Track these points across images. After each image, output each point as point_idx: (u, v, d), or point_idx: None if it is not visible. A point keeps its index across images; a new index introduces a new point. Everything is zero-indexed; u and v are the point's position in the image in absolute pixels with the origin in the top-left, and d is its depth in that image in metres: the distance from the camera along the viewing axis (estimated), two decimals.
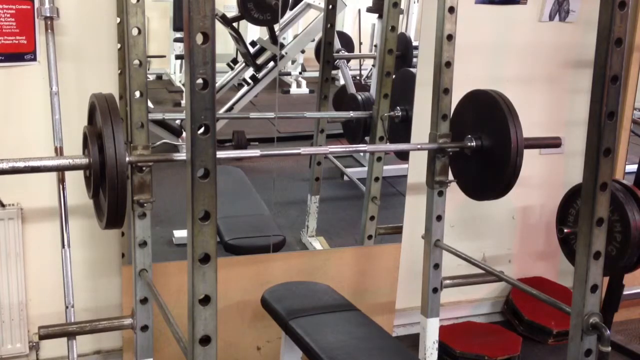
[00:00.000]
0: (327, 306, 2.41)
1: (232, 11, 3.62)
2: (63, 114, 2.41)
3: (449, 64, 2.39)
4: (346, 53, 4.55)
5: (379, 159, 3.03)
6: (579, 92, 3.19)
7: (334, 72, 4.07)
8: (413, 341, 2.84)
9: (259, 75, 3.57)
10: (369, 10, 4.51)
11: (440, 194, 2.48)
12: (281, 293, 2.44)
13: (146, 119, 2.11)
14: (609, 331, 1.97)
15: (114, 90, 2.33)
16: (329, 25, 3.26)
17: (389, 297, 3.06)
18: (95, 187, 2.00)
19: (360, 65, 5.11)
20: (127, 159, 1.99)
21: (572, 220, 2.50)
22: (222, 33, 3.59)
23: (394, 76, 2.96)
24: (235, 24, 3.60)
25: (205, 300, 1.49)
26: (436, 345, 2.54)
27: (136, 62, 2.08)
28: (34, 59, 2.43)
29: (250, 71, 3.72)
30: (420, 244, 2.52)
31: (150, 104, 2.17)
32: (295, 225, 3.49)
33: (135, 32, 2.07)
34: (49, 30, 2.37)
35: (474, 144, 2.38)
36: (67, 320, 2.43)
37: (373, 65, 4.63)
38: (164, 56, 4.21)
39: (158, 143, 2.47)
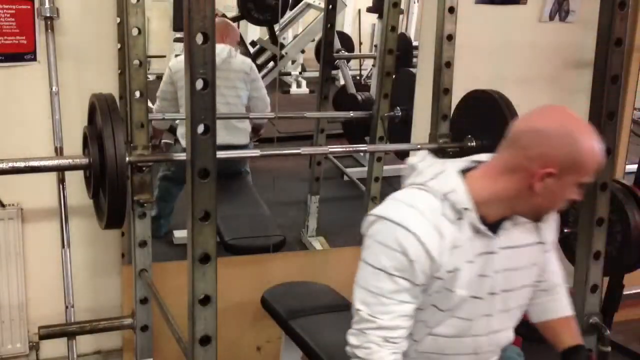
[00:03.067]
0: (327, 306, 2.41)
1: (232, 11, 3.62)
2: (63, 114, 2.41)
3: (449, 64, 2.39)
4: (346, 53, 4.55)
5: (379, 159, 3.02)
6: (579, 92, 3.18)
7: (334, 72, 4.08)
8: None
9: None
10: (369, 10, 4.51)
11: None
12: (281, 293, 2.44)
13: (146, 119, 2.10)
14: (609, 331, 1.98)
15: (114, 90, 2.33)
16: (329, 25, 3.25)
17: None
18: (95, 187, 2.00)
19: (360, 65, 5.11)
20: (127, 159, 1.99)
21: (572, 220, 2.50)
22: None
23: (394, 76, 2.96)
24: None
25: (205, 300, 1.49)
26: None
27: (136, 62, 2.08)
28: (34, 59, 2.43)
29: None
30: None
31: (150, 104, 2.17)
32: (295, 225, 3.49)
33: (135, 32, 2.07)
34: (49, 30, 2.37)
35: (474, 143, 2.37)
36: (67, 320, 2.43)
37: (373, 65, 4.63)
38: (164, 56, 4.20)
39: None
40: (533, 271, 1.63)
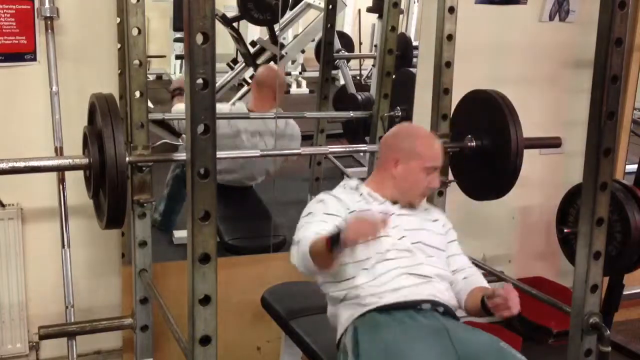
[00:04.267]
0: (327, 306, 2.41)
1: (232, 11, 3.62)
2: (63, 114, 2.41)
3: (449, 64, 2.39)
4: (346, 53, 4.55)
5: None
6: (579, 92, 3.19)
7: (334, 72, 4.07)
8: None
9: None
10: (369, 10, 4.51)
11: (440, 194, 2.48)
12: (281, 293, 2.44)
13: (146, 119, 2.11)
14: (609, 331, 1.98)
15: (114, 90, 2.33)
16: (329, 25, 3.25)
17: None
18: (95, 187, 2.00)
19: (360, 65, 5.11)
20: (127, 159, 1.99)
21: (572, 220, 2.50)
22: (222, 33, 3.59)
23: (394, 76, 2.96)
24: (235, 24, 3.60)
25: (205, 300, 1.49)
26: None
27: (136, 62, 2.08)
28: (34, 59, 2.43)
29: (250, 71, 3.72)
30: None
31: (150, 104, 2.17)
32: (295, 225, 3.48)
33: (135, 32, 2.07)
34: (49, 30, 2.37)
35: (474, 144, 2.38)
36: (67, 320, 2.43)
37: (373, 65, 4.62)
38: (164, 56, 4.21)
39: (158, 143, 2.46)
40: (430, 235, 2.08)
